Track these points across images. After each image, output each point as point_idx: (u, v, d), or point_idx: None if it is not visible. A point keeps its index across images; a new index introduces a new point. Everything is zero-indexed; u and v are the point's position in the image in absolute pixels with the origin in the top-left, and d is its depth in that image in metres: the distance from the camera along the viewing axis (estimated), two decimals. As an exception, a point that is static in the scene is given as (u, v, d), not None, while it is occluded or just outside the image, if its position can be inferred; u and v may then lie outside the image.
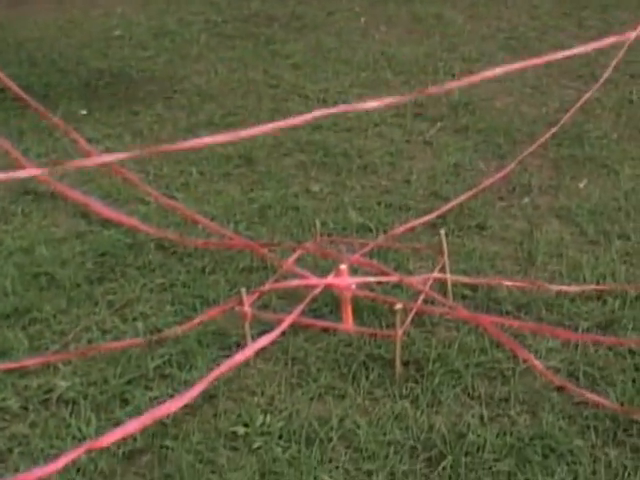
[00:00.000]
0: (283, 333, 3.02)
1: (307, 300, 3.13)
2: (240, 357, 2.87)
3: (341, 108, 3.29)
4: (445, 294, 3.26)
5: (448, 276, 3.29)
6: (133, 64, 6.56)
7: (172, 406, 2.64)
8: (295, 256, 3.46)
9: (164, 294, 3.45)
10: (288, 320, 3.01)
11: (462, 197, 4.00)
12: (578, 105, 4.85)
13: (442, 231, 3.30)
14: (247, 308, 3.00)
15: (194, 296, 3.41)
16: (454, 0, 7.88)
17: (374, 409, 2.75)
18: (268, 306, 3.31)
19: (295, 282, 3.29)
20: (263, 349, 2.98)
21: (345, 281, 3.13)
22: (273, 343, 3.00)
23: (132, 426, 2.51)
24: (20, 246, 3.83)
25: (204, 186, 4.44)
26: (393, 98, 3.09)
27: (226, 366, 2.81)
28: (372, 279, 3.30)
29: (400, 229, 3.72)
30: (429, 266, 3.50)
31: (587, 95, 4.96)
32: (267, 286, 3.28)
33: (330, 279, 3.20)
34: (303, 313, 3.12)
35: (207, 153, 4.82)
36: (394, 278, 3.30)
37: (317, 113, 2.95)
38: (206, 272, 3.58)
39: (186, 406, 2.74)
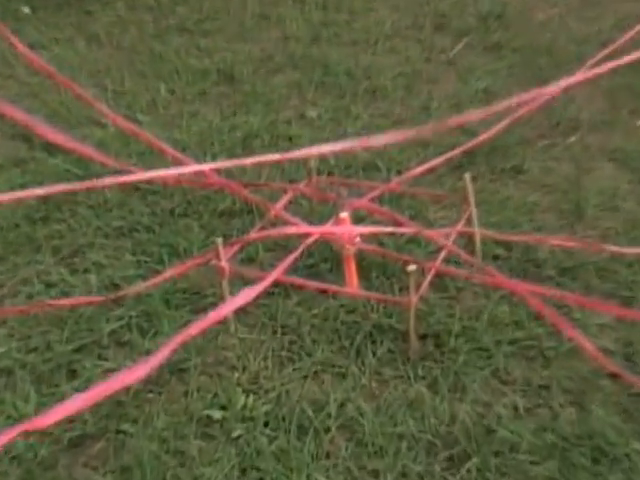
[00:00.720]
0: (271, 294, 2.95)
1: (299, 250, 2.98)
2: (215, 316, 2.75)
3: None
4: (472, 252, 3.16)
5: (476, 230, 3.20)
6: (88, -48, 6.39)
7: (129, 377, 2.52)
8: (286, 199, 3.36)
9: (123, 240, 3.38)
10: (276, 272, 2.88)
11: (494, 130, 3.87)
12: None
13: (467, 174, 3.19)
14: (225, 262, 2.91)
15: (160, 244, 3.33)
16: None
17: (382, 393, 2.67)
18: (253, 260, 3.23)
19: (286, 229, 3.18)
20: (246, 313, 2.91)
21: (348, 232, 3.02)
22: (259, 306, 2.93)
23: (79, 401, 2.40)
24: (-55, 175, 3.75)
25: (175, 107, 4.35)
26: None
27: (197, 327, 2.69)
28: (381, 229, 3.20)
29: (417, 170, 3.60)
30: (452, 217, 3.41)
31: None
32: (251, 235, 3.18)
33: (329, 227, 3.09)
34: (296, 271, 3.03)
35: (179, 66, 4.72)
36: (410, 229, 3.20)
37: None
38: (176, 215, 3.51)
39: (149, 381, 2.66)
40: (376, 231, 3.19)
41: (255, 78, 4.62)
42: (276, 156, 3.34)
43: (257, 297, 2.75)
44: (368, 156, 3.86)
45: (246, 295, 2.79)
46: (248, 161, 3.55)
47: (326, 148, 3.22)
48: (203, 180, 3.57)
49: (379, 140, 3.09)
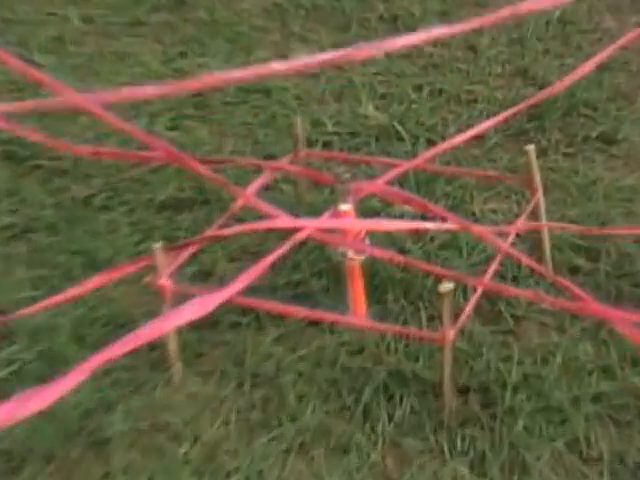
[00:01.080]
0: (236, 325, 2.98)
1: (282, 250, 2.95)
2: (152, 331, 2.73)
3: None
4: (540, 262, 3.16)
5: (545, 226, 3.21)
6: None
7: (20, 409, 2.50)
8: (261, 182, 3.35)
9: (13, 245, 3.41)
10: (246, 277, 2.84)
11: (573, 77, 3.86)
12: None
13: (532, 146, 3.19)
14: (166, 278, 2.91)
15: (71, 251, 3.35)
16: None
17: (403, 475, 2.67)
18: (210, 275, 3.24)
19: (260, 226, 3.16)
20: (199, 356, 2.93)
21: (351, 228, 3.01)
22: (217, 345, 2.95)
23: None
24: None
25: (93, 43, 4.39)
26: None
27: (124, 345, 2.67)
28: (403, 226, 3.23)
29: (457, 139, 3.59)
30: (510, 209, 3.45)
31: None
32: (206, 234, 3.18)
33: (325, 222, 3.08)
34: (275, 290, 3.06)
35: (100, -18, 4.73)
36: (446, 226, 3.19)
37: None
38: (94, 206, 3.53)
39: (51, 457, 2.66)
40: (395, 229, 3.20)
41: (214, 0, 4.63)
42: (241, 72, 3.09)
43: (211, 315, 2.73)
44: (384, 118, 3.88)
45: (200, 305, 2.76)
46: (187, 85, 3.29)
47: (323, 57, 3.06)
48: (136, 152, 3.57)
49: (404, 41, 2.96)
